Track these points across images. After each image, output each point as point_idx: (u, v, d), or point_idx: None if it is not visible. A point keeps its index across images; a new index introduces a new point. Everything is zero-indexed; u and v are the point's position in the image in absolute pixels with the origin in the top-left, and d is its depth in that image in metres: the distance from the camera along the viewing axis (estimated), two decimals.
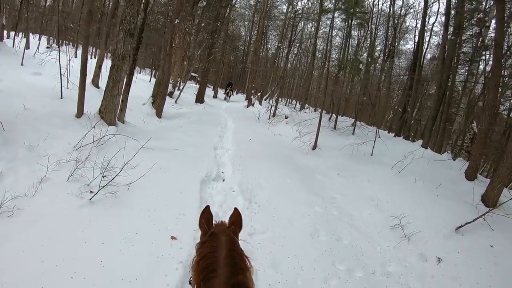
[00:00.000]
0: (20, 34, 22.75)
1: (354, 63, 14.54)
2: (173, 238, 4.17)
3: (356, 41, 24.39)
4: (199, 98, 20.21)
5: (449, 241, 5.52)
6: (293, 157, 9.41)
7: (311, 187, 7.20)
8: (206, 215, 1.82)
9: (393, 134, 16.34)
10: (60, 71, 9.06)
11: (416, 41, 19.37)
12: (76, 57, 20.89)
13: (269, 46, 37.07)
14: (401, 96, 21.74)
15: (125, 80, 8.82)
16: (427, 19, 18.39)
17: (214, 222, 1.83)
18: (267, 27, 29.46)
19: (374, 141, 9.99)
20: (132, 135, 8.21)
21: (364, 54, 22.41)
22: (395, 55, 22.80)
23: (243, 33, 41.72)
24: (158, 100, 12.34)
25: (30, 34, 23.36)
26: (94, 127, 7.15)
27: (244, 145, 9.78)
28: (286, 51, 28.39)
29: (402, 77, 24.71)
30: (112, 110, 8.50)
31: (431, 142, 14.51)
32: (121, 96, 8.72)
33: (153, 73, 23.89)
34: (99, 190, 4.80)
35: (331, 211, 6.10)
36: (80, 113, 8.28)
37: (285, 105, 22.52)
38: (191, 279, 1.68)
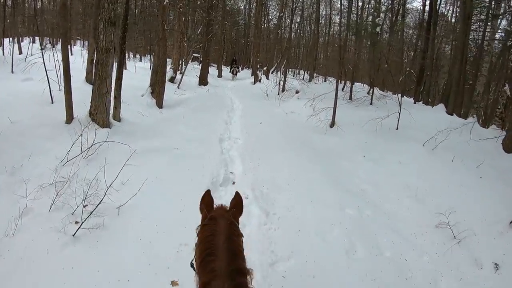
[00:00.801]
0: (11, 39, 21.78)
1: (373, 26, 13.23)
2: (173, 283, 3.31)
3: (360, 2, 23.07)
4: (202, 80, 19.10)
5: (504, 239, 4.53)
6: (311, 140, 8.46)
7: (337, 178, 6.26)
8: (206, 199, 1.89)
9: (411, 100, 15.13)
10: (47, 73, 8.24)
11: None
12: (72, 54, 20.08)
13: (270, 17, 35.67)
14: (413, 57, 20.41)
15: (114, 74, 7.87)
16: None
17: (214, 206, 1.88)
18: None
19: (399, 113, 8.90)
20: (128, 135, 7.45)
21: (370, 17, 20.95)
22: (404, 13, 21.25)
23: (242, 7, 40.24)
24: (157, 89, 11.40)
25: (25, 38, 22.52)
26: (81, 134, 6.32)
27: (254, 131, 8.89)
28: (289, 20, 27.04)
29: (414, 37, 23.15)
30: (104, 111, 7.62)
31: (450, 106, 13.37)
32: (111, 94, 7.81)
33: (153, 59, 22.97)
34: (81, 223, 3.96)
35: (364, 212, 5.13)
36: (69, 118, 7.45)
37: (293, 76, 21.24)
38: (193, 261, 1.76)
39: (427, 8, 16.81)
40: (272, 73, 24.23)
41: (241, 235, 1.77)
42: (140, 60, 28.20)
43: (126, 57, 29.27)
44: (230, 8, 34.27)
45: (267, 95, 15.08)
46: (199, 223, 1.89)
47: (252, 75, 24.58)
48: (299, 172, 6.35)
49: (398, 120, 8.85)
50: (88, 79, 10.78)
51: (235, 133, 8.87)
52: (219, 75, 26.53)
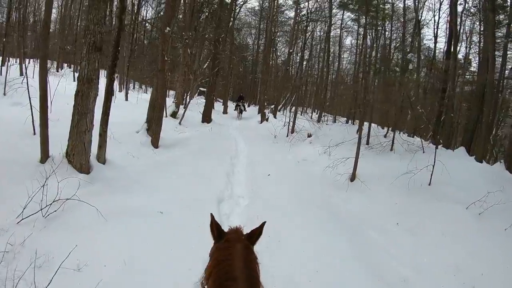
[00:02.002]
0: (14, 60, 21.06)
1: (404, 64, 12.13)
2: None
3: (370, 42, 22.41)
4: (206, 117, 17.87)
5: None
6: (331, 200, 7.09)
7: (367, 259, 4.83)
8: (214, 223, 1.78)
9: (426, 142, 13.81)
10: (30, 101, 7.31)
11: (448, 32, 16.72)
12: (74, 80, 19.19)
13: (278, 54, 35.12)
14: (424, 97, 19.34)
15: (93, 108, 6.65)
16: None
17: (229, 227, 1.82)
18: (275, 34, 27.42)
19: (433, 166, 7.53)
20: (108, 185, 6.19)
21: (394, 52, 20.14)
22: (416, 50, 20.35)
23: (250, 43, 39.85)
24: (153, 126, 10.16)
25: (30, 60, 21.87)
26: (45, 183, 5.01)
27: (261, 188, 7.26)
28: (299, 56, 26.34)
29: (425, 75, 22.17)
30: (82, 152, 6.34)
31: (478, 152, 12.02)
32: (94, 131, 6.54)
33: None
34: None
35: None
36: (44, 156, 6.24)
37: (301, 115, 19.96)
38: (203, 281, 1.69)
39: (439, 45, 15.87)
40: (279, 111, 23.22)
41: (256, 258, 1.64)
42: (146, 92, 27.19)
43: (131, 87, 28.66)
44: (238, 44, 33.68)
45: (275, 137, 13.79)
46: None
47: (259, 113, 23.47)
48: (321, 256, 4.77)
49: (432, 175, 7.48)
50: None
51: (238, 189, 7.26)
52: (225, 112, 25.38)
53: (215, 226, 1.78)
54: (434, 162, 7.53)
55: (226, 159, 9.27)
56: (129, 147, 8.95)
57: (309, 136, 12.01)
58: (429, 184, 7.45)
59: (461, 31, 18.05)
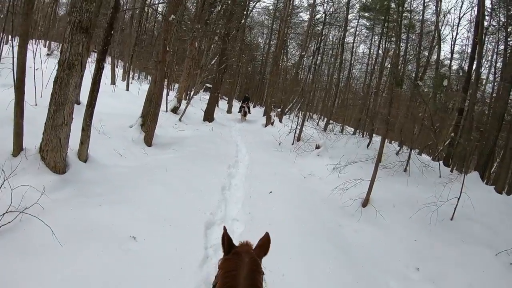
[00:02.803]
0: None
1: (438, 78, 11.19)
2: None
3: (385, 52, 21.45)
4: (208, 116, 16.88)
5: None
6: (340, 230, 6.10)
7: None
8: (225, 236, 1.78)
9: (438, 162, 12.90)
10: (15, 84, 6.33)
11: (471, 49, 15.72)
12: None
13: (288, 56, 34.13)
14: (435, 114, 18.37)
15: (72, 98, 5.77)
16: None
17: (240, 242, 1.83)
18: (287, 35, 26.51)
19: (458, 199, 6.60)
20: (81, 191, 5.29)
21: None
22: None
23: (261, 43, 38.87)
24: (147, 122, 9.27)
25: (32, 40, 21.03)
26: (3, 182, 4.19)
27: (260, 210, 6.05)
28: (311, 60, 25.44)
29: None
30: (57, 148, 5.46)
31: (500, 183, 11.06)
32: (69, 125, 5.62)
33: (167, 82, 20.76)
34: None
35: None
36: (17, 150, 5.43)
37: (307, 120, 18.84)
38: None
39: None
40: (285, 114, 22.28)
41: (262, 273, 1.68)
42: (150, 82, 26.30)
43: (136, 76, 27.74)
44: (249, 42, 32.71)
45: (279, 144, 12.80)
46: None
47: (264, 115, 22.53)
48: None
49: (455, 209, 6.57)
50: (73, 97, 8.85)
51: (234, 209, 6.13)
52: (229, 111, 24.44)
53: (226, 240, 1.77)
54: (460, 194, 6.62)
55: (224, 169, 8.24)
56: (118, 144, 8.09)
57: (318, 147, 11.00)
58: (451, 219, 6.56)
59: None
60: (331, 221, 6.27)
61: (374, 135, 14.87)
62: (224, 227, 1.84)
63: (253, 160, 9.76)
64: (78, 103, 9.20)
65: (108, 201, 4.97)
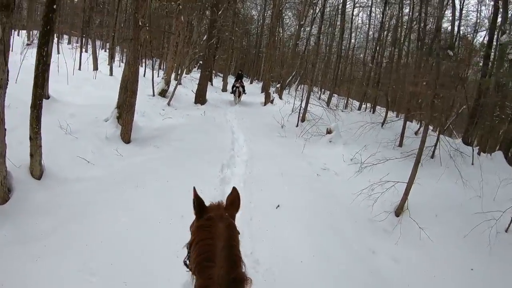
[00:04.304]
0: None
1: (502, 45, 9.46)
2: None
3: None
4: (199, 98, 14.99)
5: None
6: (373, 258, 4.61)
7: None
8: (196, 198, 1.72)
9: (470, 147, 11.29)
10: None
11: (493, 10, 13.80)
12: (58, 53, 16.48)
13: (285, 28, 32.00)
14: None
15: None
16: None
17: (211, 202, 1.77)
18: (283, 5, 24.45)
19: None
20: (27, 226, 4.05)
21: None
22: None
23: (255, 15, 36.62)
24: (123, 114, 7.70)
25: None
26: None
27: (268, 242, 4.45)
28: (309, 30, 23.49)
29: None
30: None
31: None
32: (2, 134, 4.12)
33: (149, 63, 18.51)
34: None
35: None
36: None
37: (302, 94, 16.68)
38: (186, 260, 1.71)
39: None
40: (285, 89, 20.59)
41: (238, 232, 1.64)
42: (144, 65, 24.01)
43: (120, 59, 25.59)
44: (242, 16, 30.59)
45: (282, 127, 11.22)
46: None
47: (262, 92, 20.82)
48: None
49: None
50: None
51: None
52: (224, 89, 22.64)
53: (197, 202, 1.71)
54: None
55: (215, 172, 6.62)
56: (87, 145, 6.63)
57: (329, 132, 9.37)
58: (506, 231, 5.11)
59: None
60: (361, 245, 4.76)
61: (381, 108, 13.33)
62: (194, 188, 1.76)
63: (253, 152, 8.13)
64: (47, 97, 7.76)
65: (51, 247, 3.59)
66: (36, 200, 4.56)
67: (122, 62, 23.89)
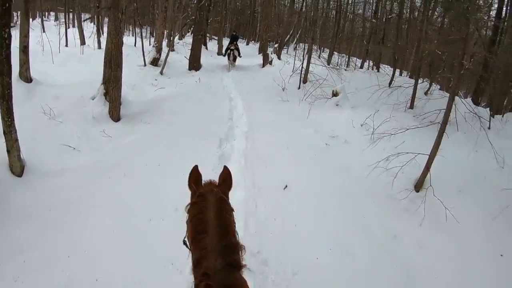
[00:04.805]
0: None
1: None
2: None
3: None
4: (193, 64, 14.02)
5: None
6: (395, 244, 4.07)
7: None
8: (194, 175, 1.77)
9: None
10: None
11: None
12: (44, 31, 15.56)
13: None
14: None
15: None
16: None
17: (203, 181, 1.77)
18: None
19: None
20: (7, 230, 3.66)
21: None
22: None
23: None
24: (110, 91, 7.04)
25: None
26: None
27: (278, 237, 3.89)
28: None
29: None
30: None
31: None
32: None
33: (139, 32, 17.29)
34: None
35: None
36: None
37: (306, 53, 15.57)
38: (185, 239, 1.70)
39: None
40: (284, 48, 19.71)
41: (232, 209, 1.65)
42: (131, 35, 22.63)
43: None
44: None
45: (283, 90, 10.50)
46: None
47: (259, 53, 19.89)
48: None
49: None
50: (22, 76, 7.19)
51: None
52: (219, 52, 21.57)
53: (194, 180, 1.72)
54: None
55: (212, 148, 5.93)
56: (72, 129, 6.12)
57: (335, 94, 8.61)
58: None
59: None
60: (382, 229, 4.22)
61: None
62: (196, 165, 1.78)
63: (253, 122, 7.45)
64: (29, 80, 7.33)
65: (31, 263, 3.28)
66: (16, 201, 4.12)
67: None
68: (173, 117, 7.28)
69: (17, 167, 4.60)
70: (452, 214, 4.35)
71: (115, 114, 7.01)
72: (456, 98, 7.69)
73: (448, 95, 8.29)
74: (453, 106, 6.79)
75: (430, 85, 10.29)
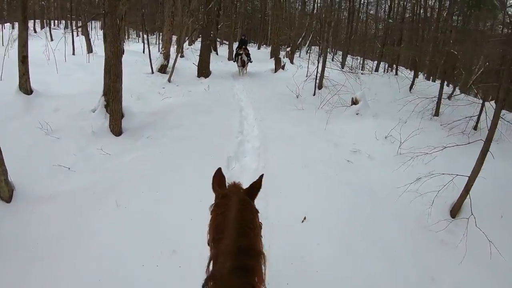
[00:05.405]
0: None
1: None
2: None
3: None
4: (202, 70, 13.50)
5: None
6: (433, 286, 3.44)
7: None
8: (218, 177, 1.78)
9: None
10: None
11: None
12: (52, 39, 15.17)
13: None
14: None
15: None
16: None
17: (227, 183, 1.77)
18: None
19: None
20: None
21: None
22: None
23: None
24: (110, 103, 6.53)
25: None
26: None
27: (296, 280, 3.26)
28: None
29: None
30: None
31: None
32: None
33: (147, 37, 16.68)
34: None
35: None
36: None
37: (321, 55, 14.56)
38: (208, 240, 1.63)
39: None
40: (296, 52, 19.17)
41: (257, 211, 1.63)
42: (138, 41, 22.42)
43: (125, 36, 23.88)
44: None
45: (297, 97, 9.87)
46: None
47: (271, 58, 19.30)
48: None
49: None
50: (22, 88, 6.86)
51: None
52: (230, 58, 21.02)
53: (217, 183, 1.72)
54: None
55: (223, 158, 5.40)
56: (69, 146, 5.68)
57: (355, 102, 7.93)
58: None
59: None
60: (418, 269, 3.56)
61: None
62: (219, 168, 1.81)
63: (266, 136, 6.70)
64: (29, 92, 7.00)
65: None
66: (3, 231, 3.69)
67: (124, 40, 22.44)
68: (178, 132, 6.66)
69: (5, 192, 4.15)
70: (496, 249, 3.67)
71: (116, 128, 6.49)
72: (487, 104, 7.04)
73: (473, 98, 7.62)
74: (483, 110, 6.13)
75: (454, 89, 9.63)
